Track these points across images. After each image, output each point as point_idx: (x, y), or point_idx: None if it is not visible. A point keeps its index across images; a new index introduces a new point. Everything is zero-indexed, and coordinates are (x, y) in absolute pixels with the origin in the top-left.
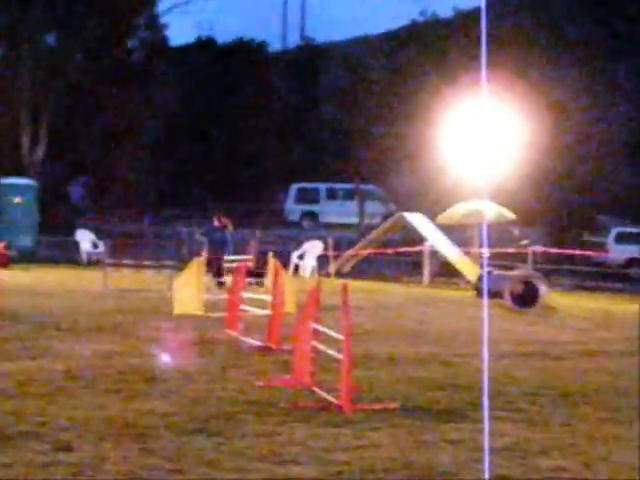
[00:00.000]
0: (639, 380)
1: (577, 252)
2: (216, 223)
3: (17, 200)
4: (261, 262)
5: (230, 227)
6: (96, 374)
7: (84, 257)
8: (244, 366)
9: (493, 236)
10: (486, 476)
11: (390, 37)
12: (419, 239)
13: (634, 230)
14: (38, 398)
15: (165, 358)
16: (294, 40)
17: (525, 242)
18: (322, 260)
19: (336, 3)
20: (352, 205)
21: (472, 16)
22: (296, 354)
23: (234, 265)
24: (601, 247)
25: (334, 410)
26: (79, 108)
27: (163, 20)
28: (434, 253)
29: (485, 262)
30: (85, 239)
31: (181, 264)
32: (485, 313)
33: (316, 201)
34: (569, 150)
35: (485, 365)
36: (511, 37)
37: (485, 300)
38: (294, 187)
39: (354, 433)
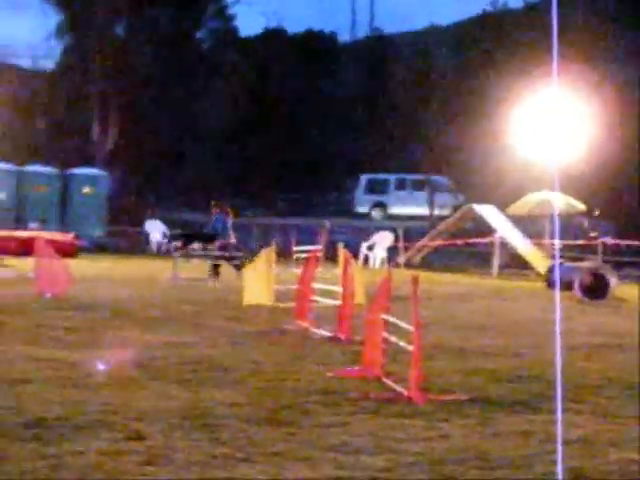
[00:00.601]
0: None
1: None
2: (216, 212)
3: (86, 190)
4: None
5: (230, 214)
6: (166, 364)
7: (154, 247)
8: (314, 356)
9: (562, 227)
10: (559, 468)
11: (460, 28)
12: (489, 230)
13: None
14: (108, 388)
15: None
16: (363, 31)
17: (595, 233)
18: (392, 251)
19: None
20: (421, 196)
21: (542, 6)
22: (366, 345)
23: (303, 255)
24: None
25: (404, 401)
26: (148, 99)
27: (232, 11)
28: (504, 244)
29: (556, 253)
30: (155, 229)
31: (250, 254)
32: (557, 305)
33: (385, 192)
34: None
35: (558, 357)
36: (581, 27)
37: (557, 292)
38: (363, 178)
39: (424, 424)
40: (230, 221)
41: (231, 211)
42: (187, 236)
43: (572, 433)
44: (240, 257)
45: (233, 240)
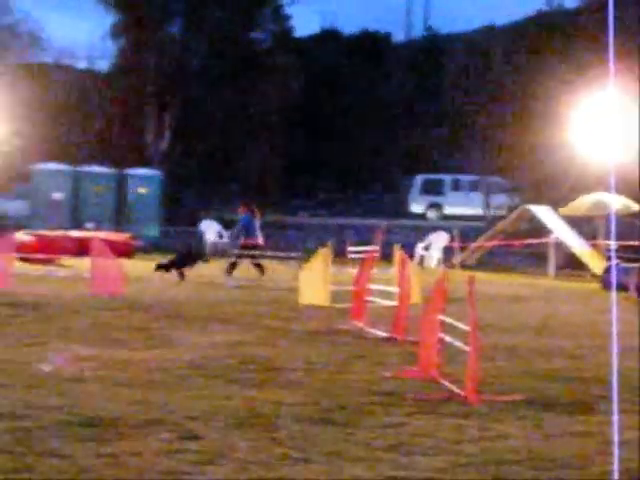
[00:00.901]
0: None
1: None
2: (243, 212)
3: (142, 191)
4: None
5: (257, 214)
6: (221, 364)
7: (209, 247)
8: (370, 357)
9: (618, 228)
10: (615, 468)
11: (516, 28)
12: (544, 231)
13: None
14: (164, 387)
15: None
16: (418, 31)
17: None
18: (447, 252)
19: None
20: (477, 197)
21: (598, 5)
22: (422, 345)
23: (359, 255)
24: None
25: (460, 401)
26: (203, 99)
27: (287, 11)
28: (559, 245)
29: (613, 254)
30: (210, 229)
31: (306, 255)
32: (614, 306)
33: (441, 192)
34: None
35: (614, 358)
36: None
37: (614, 293)
38: (419, 178)
39: (480, 424)
40: (257, 221)
41: (257, 211)
42: (167, 266)
43: (629, 434)
44: (258, 257)
45: (260, 240)
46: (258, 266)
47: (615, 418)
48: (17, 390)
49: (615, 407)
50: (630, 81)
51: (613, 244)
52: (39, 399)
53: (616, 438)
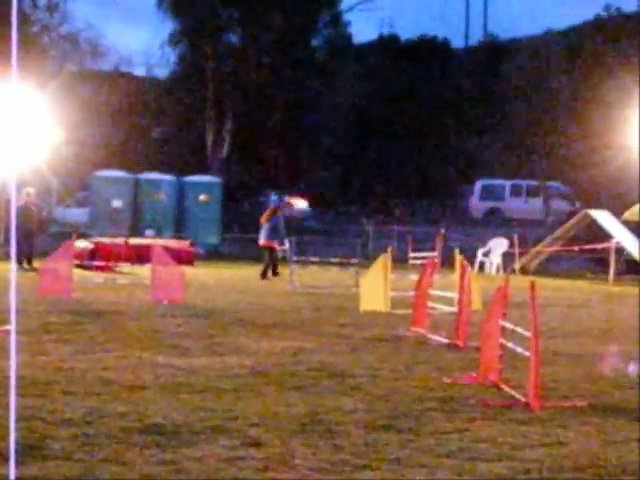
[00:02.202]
0: None
1: None
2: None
3: (202, 198)
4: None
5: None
6: (283, 370)
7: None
8: (431, 363)
9: None
10: None
11: (574, 32)
12: (605, 236)
13: None
14: (226, 394)
15: None
16: (477, 37)
17: None
18: (507, 257)
19: None
20: (537, 202)
21: None
22: (483, 351)
23: (419, 262)
24: None
25: (522, 407)
26: (262, 106)
27: (345, 18)
28: (620, 250)
29: None
30: None
31: (367, 261)
32: None
33: (501, 198)
34: None
35: None
36: None
37: None
38: (479, 183)
39: (542, 431)
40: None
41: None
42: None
43: None
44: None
45: (275, 244)
46: (274, 268)
47: None
48: (81, 397)
49: None
50: None
51: None
52: (102, 406)
53: None
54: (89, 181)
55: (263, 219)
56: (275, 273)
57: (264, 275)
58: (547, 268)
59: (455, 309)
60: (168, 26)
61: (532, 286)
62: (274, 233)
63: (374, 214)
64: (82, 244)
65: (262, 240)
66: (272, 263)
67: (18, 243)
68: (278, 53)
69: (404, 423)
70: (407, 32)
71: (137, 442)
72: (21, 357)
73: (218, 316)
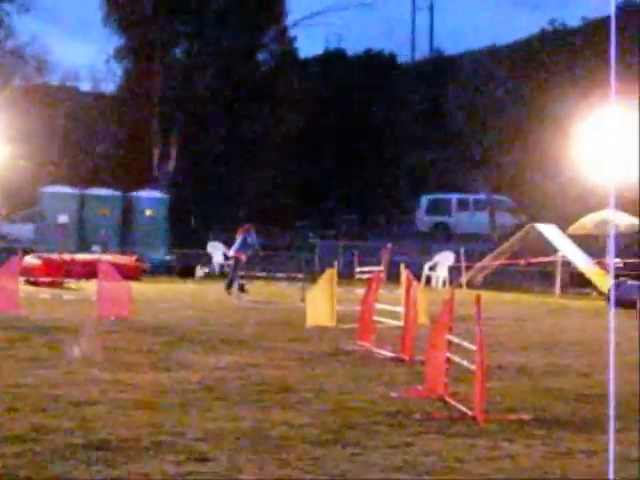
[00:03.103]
0: None
1: None
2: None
3: (148, 213)
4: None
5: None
6: (230, 385)
7: (216, 269)
8: (377, 377)
9: (625, 246)
10: None
11: (519, 47)
12: (551, 250)
13: None
14: (173, 409)
15: None
16: (423, 51)
17: None
18: (454, 271)
19: (464, 14)
20: (483, 216)
21: (601, 24)
22: (429, 365)
23: (365, 276)
24: None
25: (468, 421)
26: (209, 121)
27: (292, 33)
28: (566, 264)
29: (612, 272)
30: (216, 251)
31: (313, 275)
32: (611, 323)
33: (447, 212)
34: None
35: (611, 374)
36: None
37: (612, 310)
38: (425, 198)
39: (489, 444)
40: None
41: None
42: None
43: (637, 452)
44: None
45: (241, 255)
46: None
47: (611, 436)
48: (27, 414)
49: (612, 425)
50: (633, 98)
51: (614, 262)
52: (49, 422)
53: (612, 455)
54: (36, 197)
55: (237, 234)
56: (241, 289)
57: (229, 287)
58: (493, 282)
59: (401, 323)
60: (114, 41)
61: (478, 300)
62: (244, 246)
63: (320, 229)
64: (31, 260)
65: (231, 252)
66: (238, 276)
67: None
68: (224, 68)
69: (350, 437)
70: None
71: (83, 458)
72: None
73: (165, 331)
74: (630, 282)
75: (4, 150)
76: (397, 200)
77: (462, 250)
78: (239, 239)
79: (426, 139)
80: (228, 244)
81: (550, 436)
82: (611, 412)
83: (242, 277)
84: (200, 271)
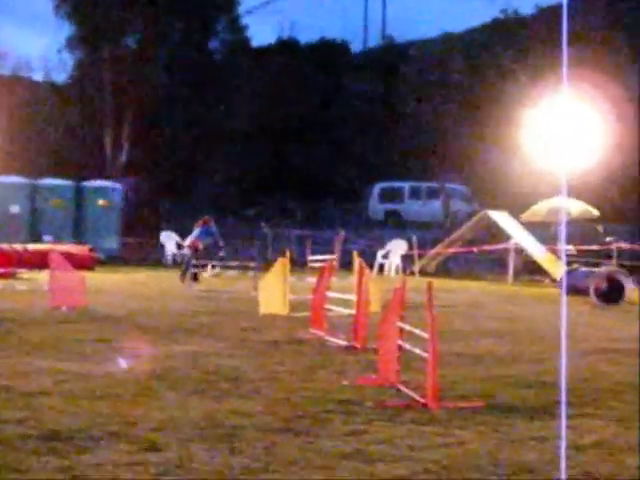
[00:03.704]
0: None
1: None
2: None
3: (101, 203)
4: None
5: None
6: (182, 375)
7: (169, 258)
8: (329, 365)
9: (578, 233)
10: (562, 476)
11: (472, 35)
12: (504, 237)
13: None
14: (125, 399)
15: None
16: (376, 39)
17: (610, 238)
18: (406, 259)
19: (416, 1)
20: (436, 204)
21: (554, 12)
22: (381, 353)
23: (318, 264)
24: None
25: (420, 408)
26: (161, 110)
27: (244, 21)
28: (519, 251)
29: (564, 259)
30: (170, 241)
31: (266, 264)
32: (563, 310)
33: (400, 200)
34: None
35: (563, 361)
36: (591, 33)
37: (564, 297)
38: (377, 186)
39: (440, 431)
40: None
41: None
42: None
43: (589, 438)
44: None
45: (198, 244)
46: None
47: (563, 423)
48: None
49: (564, 410)
50: (587, 85)
51: (569, 249)
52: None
53: (564, 442)
54: None
55: (196, 225)
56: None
57: (183, 276)
58: (446, 269)
59: (354, 311)
60: (66, 30)
61: (429, 287)
62: (202, 237)
63: (273, 217)
64: None
65: (187, 241)
66: (192, 266)
67: None
68: (175, 57)
69: (302, 426)
70: (308, 35)
71: (34, 449)
72: None
73: (117, 321)
74: (582, 269)
75: None
76: (350, 188)
77: (415, 238)
78: (197, 230)
79: (379, 127)
80: (181, 234)
81: (502, 423)
82: (563, 399)
83: (196, 267)
84: (211, 271)
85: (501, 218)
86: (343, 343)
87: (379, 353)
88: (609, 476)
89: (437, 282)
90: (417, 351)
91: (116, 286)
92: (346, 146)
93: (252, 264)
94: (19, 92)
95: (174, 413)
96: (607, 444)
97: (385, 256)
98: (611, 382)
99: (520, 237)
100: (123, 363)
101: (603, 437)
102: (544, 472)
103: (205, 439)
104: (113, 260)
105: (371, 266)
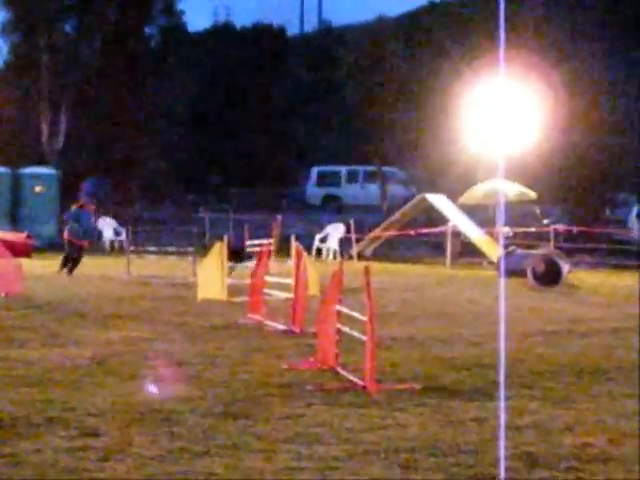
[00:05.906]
0: None
1: (599, 230)
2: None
3: (38, 189)
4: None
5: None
6: (121, 360)
7: (106, 244)
8: (268, 349)
9: (515, 215)
10: (501, 456)
11: (409, 18)
12: (441, 220)
13: None
14: (64, 385)
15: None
16: (312, 24)
17: (547, 221)
18: (344, 243)
19: None
20: (373, 187)
21: None
22: (320, 336)
23: (256, 249)
24: (623, 224)
25: (359, 391)
26: (98, 96)
27: (180, 6)
28: (456, 234)
29: (502, 241)
30: (107, 226)
31: (203, 249)
32: (502, 292)
33: (337, 184)
34: (591, 127)
35: (501, 343)
36: (529, 16)
37: (502, 279)
38: (314, 170)
39: (379, 413)
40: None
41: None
42: None
43: (527, 419)
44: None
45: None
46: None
47: (502, 404)
48: None
49: (502, 392)
50: (524, 69)
51: (506, 231)
52: None
53: (502, 422)
54: None
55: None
56: (67, 268)
57: (63, 266)
58: (384, 253)
59: (292, 295)
60: (1, 16)
61: (367, 271)
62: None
63: (211, 202)
64: None
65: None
66: (71, 258)
67: None
68: (111, 43)
69: (242, 410)
70: (244, 20)
71: None
72: None
73: (56, 308)
74: (520, 251)
75: None
76: (287, 173)
77: (352, 222)
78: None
79: (315, 111)
80: (119, 219)
81: (441, 405)
82: (501, 380)
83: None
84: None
85: (439, 201)
86: (282, 327)
87: (318, 337)
88: (547, 455)
89: (375, 266)
90: (355, 334)
91: (54, 273)
92: (284, 131)
93: (190, 249)
94: None
95: (113, 399)
96: (545, 424)
97: (323, 240)
98: (548, 364)
99: (458, 220)
100: (59, 352)
101: (541, 418)
102: (483, 453)
103: (144, 424)
104: (51, 247)
105: (309, 250)
